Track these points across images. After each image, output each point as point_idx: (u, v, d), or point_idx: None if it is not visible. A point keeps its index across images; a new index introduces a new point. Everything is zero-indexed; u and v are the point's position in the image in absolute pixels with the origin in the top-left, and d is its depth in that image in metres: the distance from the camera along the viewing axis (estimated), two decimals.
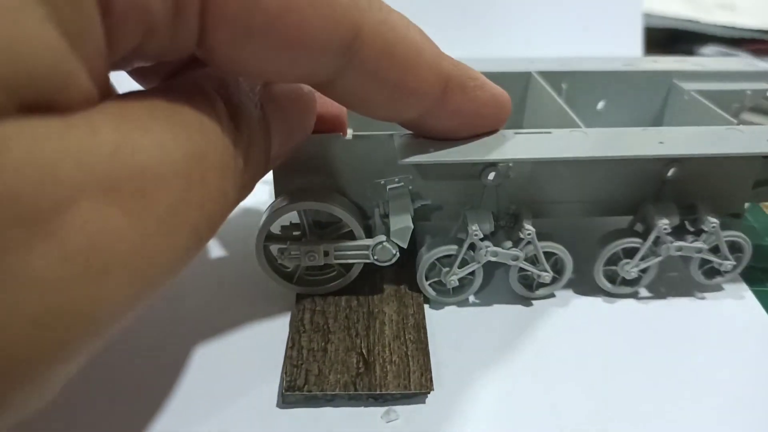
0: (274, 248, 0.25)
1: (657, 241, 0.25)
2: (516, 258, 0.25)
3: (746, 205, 0.27)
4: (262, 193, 0.31)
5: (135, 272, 0.12)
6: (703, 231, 0.25)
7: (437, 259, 0.25)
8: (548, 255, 0.25)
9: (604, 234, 0.26)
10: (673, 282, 0.27)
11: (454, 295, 0.26)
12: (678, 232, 0.25)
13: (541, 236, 0.25)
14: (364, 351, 0.22)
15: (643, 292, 0.27)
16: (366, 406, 0.21)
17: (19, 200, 0.10)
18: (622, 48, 0.47)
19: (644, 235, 0.25)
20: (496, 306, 0.26)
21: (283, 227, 0.25)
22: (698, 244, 0.25)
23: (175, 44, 0.14)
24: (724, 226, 0.25)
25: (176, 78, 0.17)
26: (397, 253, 0.24)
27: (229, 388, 0.22)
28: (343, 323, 0.24)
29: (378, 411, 0.21)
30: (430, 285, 0.25)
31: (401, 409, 0.21)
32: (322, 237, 0.25)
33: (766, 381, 0.23)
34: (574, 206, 0.26)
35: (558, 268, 0.26)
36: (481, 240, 0.24)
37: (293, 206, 0.24)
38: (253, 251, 0.24)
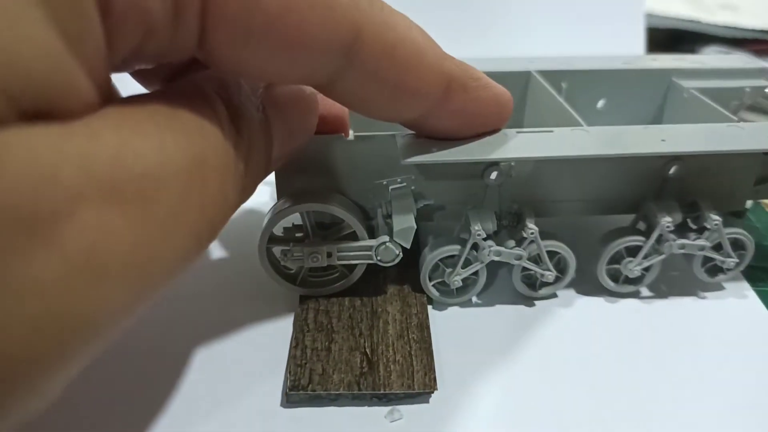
0: (276, 250, 0.25)
1: (660, 239, 0.25)
2: (519, 257, 0.25)
3: (748, 203, 0.27)
4: (264, 195, 0.31)
5: (135, 276, 0.13)
6: (705, 228, 0.25)
7: (440, 260, 0.25)
8: (551, 254, 0.25)
9: (607, 232, 0.26)
10: (675, 281, 0.27)
11: (458, 295, 0.26)
12: (680, 230, 0.25)
13: (544, 235, 0.25)
14: (367, 350, 0.22)
15: (645, 291, 0.27)
16: (370, 405, 0.21)
17: (19, 207, 0.10)
18: (625, 48, 0.47)
19: (647, 234, 0.25)
20: (498, 306, 0.26)
21: (285, 229, 0.25)
22: (701, 242, 0.25)
23: (176, 45, 0.15)
24: (726, 224, 0.25)
25: (178, 80, 0.17)
26: (400, 254, 0.24)
27: (233, 388, 0.22)
28: (347, 323, 0.24)
29: (382, 410, 0.21)
30: (433, 286, 0.25)
31: (405, 409, 0.21)
32: (325, 238, 0.25)
33: None
34: (576, 205, 0.26)
35: (561, 267, 0.26)
36: (484, 240, 0.24)
37: (296, 208, 0.24)
38: (255, 252, 0.24)
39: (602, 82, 0.31)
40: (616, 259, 0.26)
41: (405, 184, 0.24)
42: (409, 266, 0.26)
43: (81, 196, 0.11)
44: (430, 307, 0.25)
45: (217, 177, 0.15)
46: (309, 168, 0.24)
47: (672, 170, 0.25)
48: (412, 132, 0.22)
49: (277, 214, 0.24)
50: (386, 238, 0.24)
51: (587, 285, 0.27)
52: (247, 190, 0.18)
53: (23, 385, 0.11)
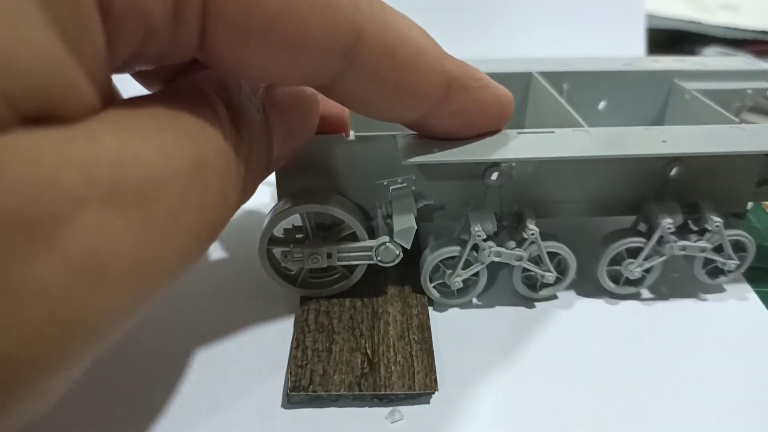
0: (277, 251, 0.25)
1: (661, 241, 0.25)
2: (520, 258, 0.25)
3: (749, 204, 0.27)
4: (265, 196, 0.31)
5: (136, 278, 0.13)
6: (706, 230, 0.25)
7: (441, 261, 0.25)
8: (551, 255, 0.25)
9: (607, 234, 0.26)
10: (676, 283, 0.27)
11: (459, 296, 0.26)
12: (681, 232, 0.25)
13: (545, 236, 0.25)
14: (368, 351, 0.22)
15: (646, 293, 0.27)
16: (370, 406, 0.21)
17: (22, 211, 0.10)
18: (625, 49, 0.47)
19: (648, 235, 0.25)
20: (499, 307, 0.26)
21: (285, 230, 0.25)
22: (702, 244, 0.25)
23: (176, 47, 0.15)
24: (727, 225, 0.25)
25: (178, 81, 0.17)
26: (401, 254, 0.24)
27: (233, 389, 0.22)
28: (348, 324, 0.24)
29: (382, 411, 0.21)
30: (434, 287, 0.25)
31: (406, 410, 0.21)
32: (326, 239, 0.25)
33: None
34: (576, 206, 0.26)
35: (561, 269, 0.26)
36: (484, 241, 0.24)
37: (296, 209, 0.24)
38: (256, 253, 0.24)
39: (603, 83, 0.31)
40: (616, 260, 0.26)
41: (405, 184, 0.24)
42: (409, 267, 0.26)
43: (82, 199, 0.11)
44: (430, 308, 0.25)
45: (218, 178, 0.15)
46: (309, 168, 0.24)
47: (673, 171, 0.25)
48: (413, 132, 0.22)
49: (277, 215, 0.24)
50: (386, 238, 0.24)
51: (588, 286, 0.27)
52: (248, 191, 0.18)
53: (25, 386, 0.11)
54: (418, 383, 0.21)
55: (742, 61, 0.32)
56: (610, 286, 0.26)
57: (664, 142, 0.23)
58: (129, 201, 0.12)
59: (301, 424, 0.21)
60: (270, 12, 0.15)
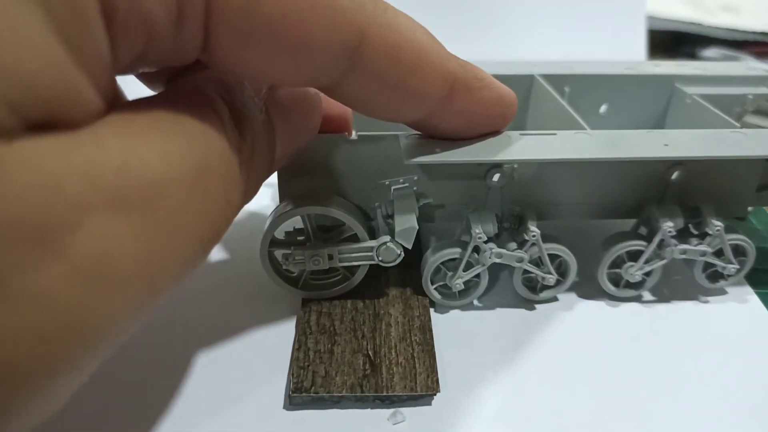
0: (278, 253, 0.25)
1: (661, 244, 0.25)
2: (521, 260, 0.25)
3: (749, 207, 0.27)
4: (265, 197, 0.31)
5: (141, 283, 0.13)
6: (707, 234, 0.25)
7: (442, 263, 0.25)
8: (552, 257, 0.25)
9: (608, 237, 0.26)
10: (677, 285, 0.27)
11: (460, 298, 0.26)
12: (682, 235, 0.25)
13: (546, 238, 0.25)
14: (370, 353, 0.22)
15: (647, 295, 0.27)
16: (372, 407, 0.21)
17: (27, 220, 0.10)
18: (626, 50, 0.47)
19: (648, 238, 0.25)
20: (500, 309, 0.26)
21: (287, 232, 0.25)
22: (702, 248, 0.25)
23: (179, 50, 0.15)
24: (728, 230, 0.25)
25: (180, 81, 0.17)
26: (402, 254, 0.24)
27: (235, 390, 0.22)
28: (350, 325, 0.24)
29: (384, 413, 0.21)
30: (435, 288, 0.25)
31: (407, 411, 0.21)
32: (327, 241, 0.25)
33: None
34: (578, 208, 0.26)
35: (562, 271, 0.26)
36: (486, 242, 0.24)
37: (297, 211, 0.24)
38: (257, 254, 0.24)
39: (605, 86, 0.31)
40: (617, 263, 0.26)
41: (407, 184, 0.24)
42: (410, 269, 0.26)
43: (87, 206, 0.11)
44: (432, 310, 0.25)
45: (221, 181, 0.15)
46: (311, 167, 0.24)
47: (674, 175, 0.25)
48: (416, 132, 0.22)
49: (278, 217, 0.24)
50: (387, 238, 0.24)
51: (589, 289, 0.27)
52: (250, 192, 0.18)
53: (35, 390, 0.11)
54: (419, 384, 0.21)
55: (743, 67, 0.32)
56: (611, 289, 0.26)
57: (666, 145, 0.23)
58: (133, 206, 0.12)
59: (302, 426, 0.21)
60: (272, 14, 0.15)
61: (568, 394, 0.22)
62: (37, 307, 0.11)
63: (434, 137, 0.22)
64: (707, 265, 0.26)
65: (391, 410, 0.21)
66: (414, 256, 0.26)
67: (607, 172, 0.25)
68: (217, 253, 0.29)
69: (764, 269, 0.28)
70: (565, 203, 0.26)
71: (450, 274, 0.25)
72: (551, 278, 0.25)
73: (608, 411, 0.21)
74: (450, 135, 0.22)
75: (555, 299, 0.27)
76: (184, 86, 0.16)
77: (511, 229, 0.26)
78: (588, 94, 0.31)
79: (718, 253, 0.26)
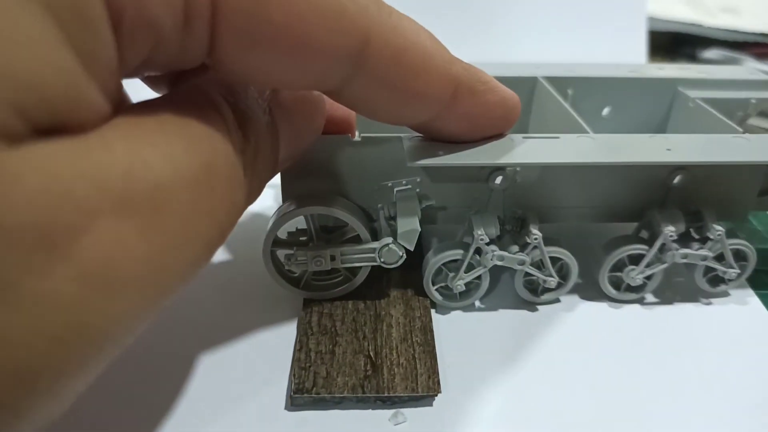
0: (281, 253, 0.25)
1: (662, 248, 0.25)
2: (522, 262, 0.25)
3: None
4: (268, 198, 0.31)
5: (148, 286, 0.13)
6: (708, 239, 0.25)
7: (444, 264, 0.25)
8: (554, 260, 0.25)
9: (609, 240, 0.26)
10: (679, 287, 0.28)
11: (461, 299, 0.26)
12: (683, 240, 0.26)
13: (547, 241, 0.25)
14: (371, 353, 0.22)
15: (649, 297, 0.27)
16: (373, 408, 0.21)
17: (37, 223, 0.11)
18: (626, 51, 0.47)
19: (650, 242, 0.26)
20: (501, 311, 0.26)
21: (289, 233, 0.25)
22: (703, 252, 0.25)
23: (185, 54, 0.15)
24: (729, 234, 0.25)
25: (185, 84, 0.17)
26: (404, 255, 0.24)
27: (237, 391, 0.22)
28: (351, 326, 0.24)
29: (385, 413, 0.21)
30: (436, 290, 0.26)
31: (409, 412, 0.21)
32: (329, 242, 0.25)
33: None
34: (580, 211, 0.26)
35: (563, 274, 0.26)
36: (487, 244, 0.24)
37: (300, 211, 0.24)
38: (260, 254, 0.24)
39: (608, 89, 0.31)
40: (618, 266, 0.26)
41: (410, 186, 0.24)
42: (412, 270, 0.26)
43: (95, 210, 0.11)
44: (433, 311, 0.26)
45: (225, 183, 0.15)
46: (315, 169, 0.24)
47: (676, 179, 0.25)
48: (419, 134, 0.22)
49: (281, 217, 0.24)
50: (389, 239, 0.24)
51: (590, 291, 0.27)
52: (255, 193, 0.18)
53: (41, 392, 0.11)
54: (421, 385, 0.21)
55: (746, 71, 0.32)
56: (612, 292, 0.26)
57: (668, 150, 0.23)
58: (140, 209, 0.12)
59: (304, 427, 0.21)
60: (278, 19, 0.15)
61: (569, 395, 0.22)
62: (45, 310, 0.11)
63: (437, 140, 0.22)
64: (708, 269, 0.26)
65: (393, 411, 0.21)
66: (415, 258, 0.26)
67: (609, 176, 0.25)
68: (219, 254, 0.29)
69: (765, 270, 0.28)
70: (567, 206, 0.26)
71: (451, 275, 0.25)
72: (552, 281, 0.25)
73: (609, 412, 0.22)
74: (453, 138, 0.22)
75: (557, 301, 0.27)
76: (188, 89, 0.16)
77: (512, 232, 0.26)
78: (591, 96, 0.31)
79: (719, 258, 0.26)
